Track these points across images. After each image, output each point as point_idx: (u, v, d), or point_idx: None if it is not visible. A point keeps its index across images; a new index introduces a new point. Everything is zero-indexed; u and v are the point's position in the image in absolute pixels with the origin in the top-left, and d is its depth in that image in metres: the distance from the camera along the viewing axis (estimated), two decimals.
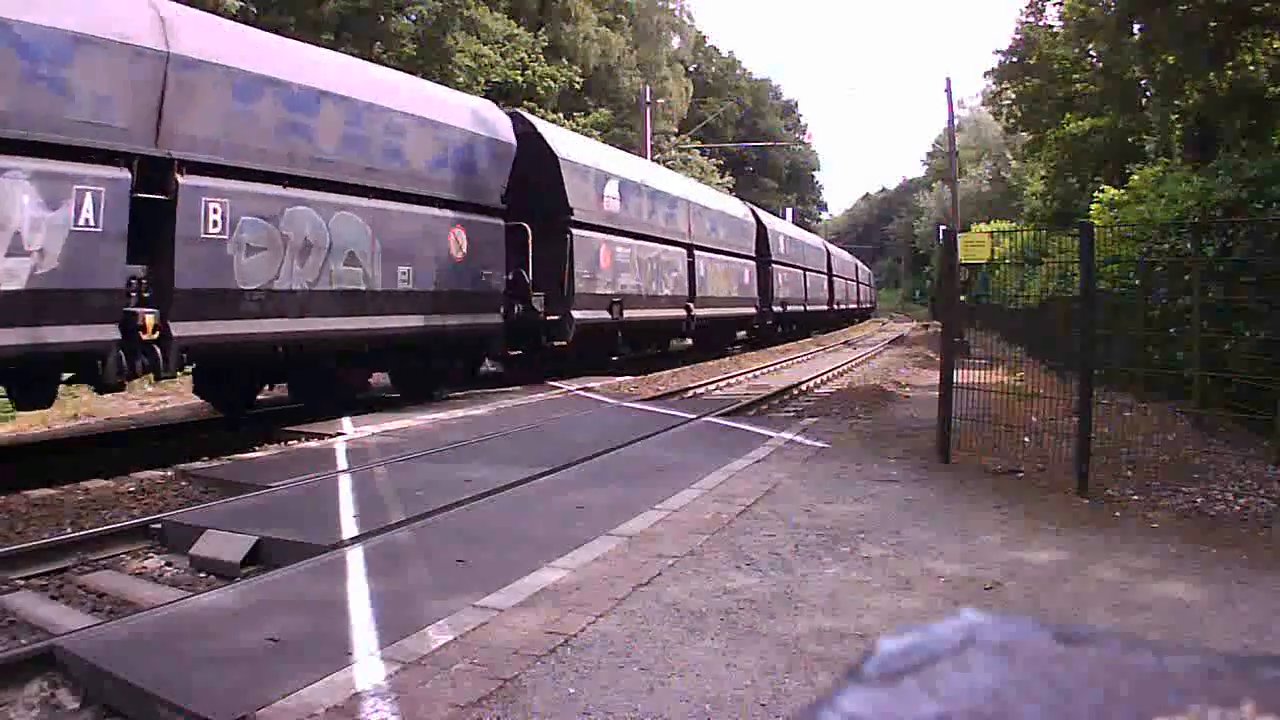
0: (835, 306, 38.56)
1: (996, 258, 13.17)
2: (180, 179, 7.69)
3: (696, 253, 19.55)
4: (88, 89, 6.97)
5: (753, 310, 24.08)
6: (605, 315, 15.07)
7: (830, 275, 37.30)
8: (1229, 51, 12.77)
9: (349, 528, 5.06)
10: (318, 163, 9.15)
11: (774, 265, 25.99)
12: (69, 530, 5.55)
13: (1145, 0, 13.02)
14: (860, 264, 55.62)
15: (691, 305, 18.92)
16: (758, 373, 17.03)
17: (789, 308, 27.69)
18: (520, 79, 30.67)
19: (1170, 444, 7.08)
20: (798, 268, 29.88)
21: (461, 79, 25.92)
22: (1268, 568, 4.23)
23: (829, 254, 38.07)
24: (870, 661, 0.36)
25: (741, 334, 25.76)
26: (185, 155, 7.76)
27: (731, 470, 6.58)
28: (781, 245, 27.56)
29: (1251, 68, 13.60)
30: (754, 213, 26.16)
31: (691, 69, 55.01)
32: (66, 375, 7.80)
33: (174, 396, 13.20)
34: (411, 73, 15.76)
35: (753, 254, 24.35)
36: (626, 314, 15.73)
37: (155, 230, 7.56)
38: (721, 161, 49.66)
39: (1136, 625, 3.48)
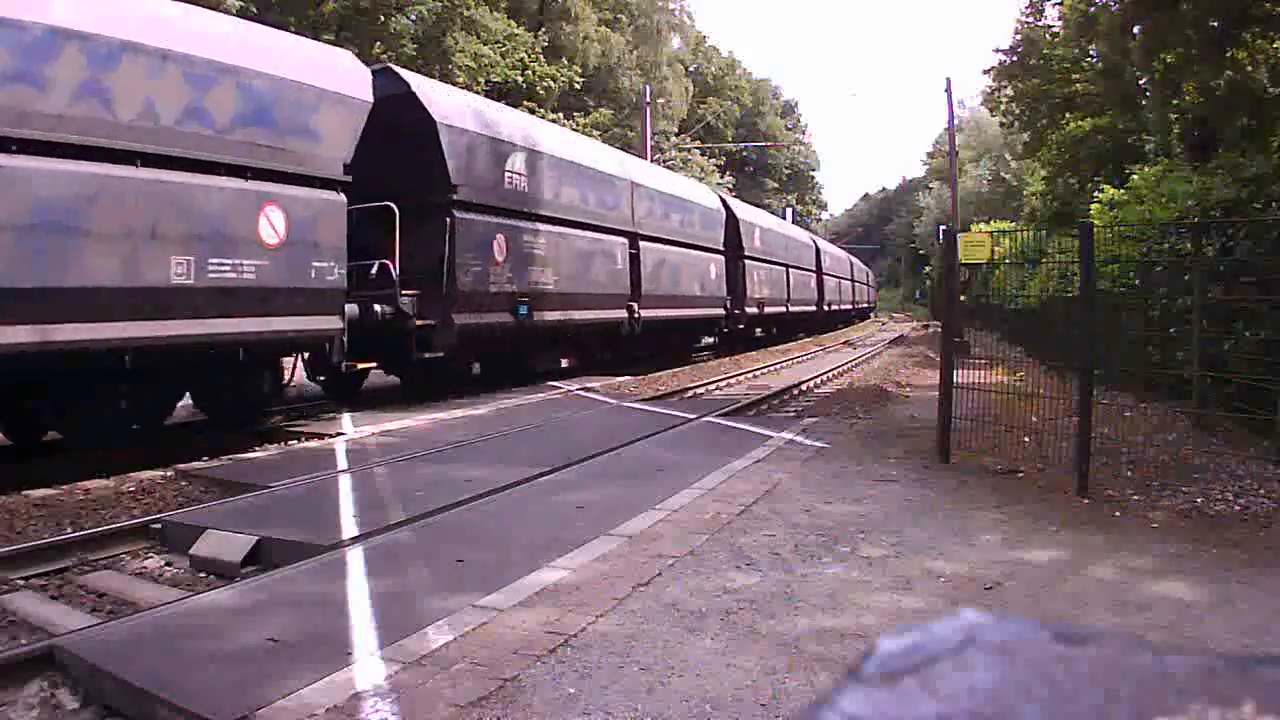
0: (826, 308, 35.37)
1: (996, 258, 13.16)
2: None
3: (642, 243, 16.86)
4: None
5: (720, 311, 21.40)
6: (506, 318, 12.49)
7: (820, 273, 34.28)
8: (1228, 51, 12.77)
9: (349, 528, 5.06)
10: (54, 120, 6.96)
11: (748, 261, 23.25)
12: (69, 530, 5.55)
13: (1147, 0, 13.04)
14: (857, 262, 53.58)
15: (635, 305, 16.37)
16: (758, 373, 17.05)
17: (767, 309, 24.87)
18: (520, 79, 30.72)
19: (1170, 444, 7.08)
20: (778, 264, 26.83)
21: (461, 79, 25.95)
22: (1268, 568, 4.23)
23: (818, 250, 34.91)
24: (870, 661, 0.36)
25: (709, 339, 23.43)
26: None
27: (731, 470, 6.58)
28: (758, 239, 24.71)
29: (1250, 68, 13.60)
30: (723, 201, 23.29)
31: (691, 69, 55.04)
32: None
33: None
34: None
35: (720, 247, 21.54)
36: (540, 316, 13.15)
37: None
38: (721, 161, 49.73)
39: (1136, 625, 3.48)
